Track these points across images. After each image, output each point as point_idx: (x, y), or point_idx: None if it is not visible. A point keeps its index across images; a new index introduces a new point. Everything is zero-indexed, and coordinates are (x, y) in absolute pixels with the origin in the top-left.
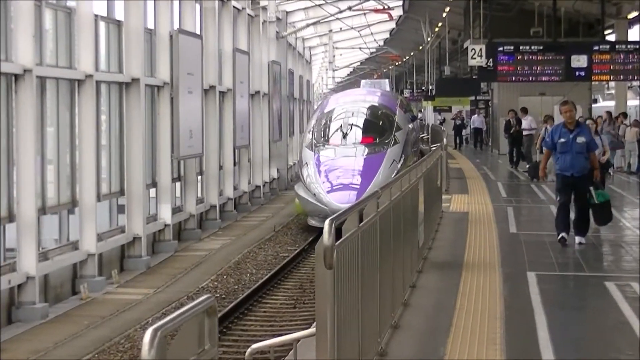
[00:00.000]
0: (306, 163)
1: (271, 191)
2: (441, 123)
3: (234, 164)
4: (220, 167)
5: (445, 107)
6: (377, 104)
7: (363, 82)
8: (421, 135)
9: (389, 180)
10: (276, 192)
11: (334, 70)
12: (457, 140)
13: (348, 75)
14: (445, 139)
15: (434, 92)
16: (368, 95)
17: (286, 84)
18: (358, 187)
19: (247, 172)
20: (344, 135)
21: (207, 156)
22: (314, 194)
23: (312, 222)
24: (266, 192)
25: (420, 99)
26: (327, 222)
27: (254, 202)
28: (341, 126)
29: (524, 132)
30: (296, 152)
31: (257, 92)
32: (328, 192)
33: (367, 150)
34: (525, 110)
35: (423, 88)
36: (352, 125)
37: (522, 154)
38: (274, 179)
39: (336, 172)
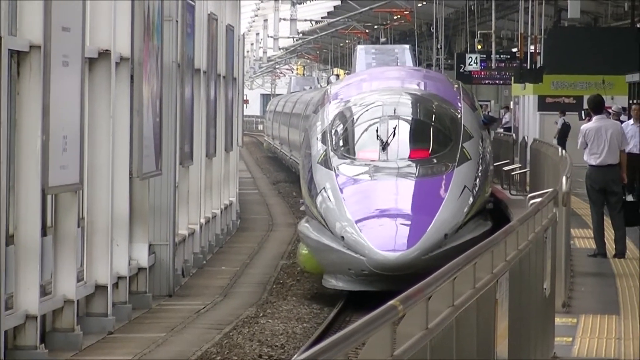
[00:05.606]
0: (322, 189)
1: (132, 299)
2: (562, 138)
3: (43, 233)
4: (10, 240)
5: (566, 97)
6: (428, 95)
7: (362, 48)
8: (506, 168)
9: (458, 218)
10: (146, 303)
11: (294, 3)
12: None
13: (326, 17)
14: (566, 179)
15: (539, 61)
16: (410, 80)
17: (175, 34)
18: (409, 224)
19: (75, 255)
20: (383, 146)
21: None
22: (342, 237)
23: (335, 283)
24: (121, 305)
25: (504, 80)
26: None
27: (89, 326)
28: (377, 131)
29: None
30: (210, 197)
31: (104, 54)
32: (365, 232)
33: (421, 169)
34: None
35: (516, 53)
36: (394, 129)
37: None
38: (140, 270)
39: (376, 202)
